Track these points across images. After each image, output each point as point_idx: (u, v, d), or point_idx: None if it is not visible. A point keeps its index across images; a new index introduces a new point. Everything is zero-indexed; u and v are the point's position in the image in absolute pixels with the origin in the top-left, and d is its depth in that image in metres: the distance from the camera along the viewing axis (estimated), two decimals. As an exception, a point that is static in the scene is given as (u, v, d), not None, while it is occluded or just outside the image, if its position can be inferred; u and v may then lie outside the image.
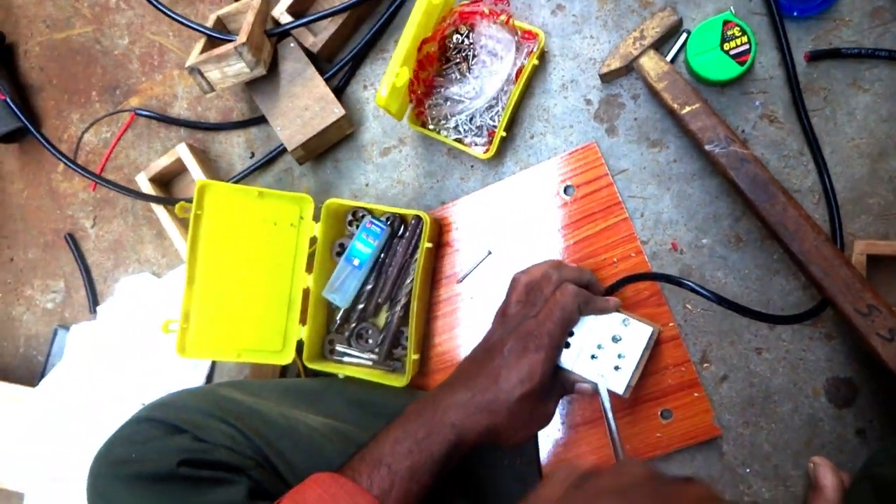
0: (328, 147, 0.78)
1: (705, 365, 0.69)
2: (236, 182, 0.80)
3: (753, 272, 0.69)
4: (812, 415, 0.67)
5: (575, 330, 0.62)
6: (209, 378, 0.81)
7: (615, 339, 0.62)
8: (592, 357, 0.62)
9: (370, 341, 0.74)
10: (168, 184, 0.83)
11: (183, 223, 0.79)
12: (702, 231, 0.70)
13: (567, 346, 0.62)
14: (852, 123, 0.68)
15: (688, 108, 0.67)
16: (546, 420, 0.60)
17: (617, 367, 0.62)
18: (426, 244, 0.70)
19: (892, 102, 0.67)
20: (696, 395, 0.69)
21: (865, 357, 0.66)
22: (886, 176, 0.67)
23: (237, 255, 0.72)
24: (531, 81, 0.74)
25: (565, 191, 0.72)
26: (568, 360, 0.61)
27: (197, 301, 0.70)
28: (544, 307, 0.59)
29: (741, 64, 0.67)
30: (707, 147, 0.66)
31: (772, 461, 0.68)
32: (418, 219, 0.71)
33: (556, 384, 0.62)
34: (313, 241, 0.73)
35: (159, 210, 0.79)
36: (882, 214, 0.67)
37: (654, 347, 0.67)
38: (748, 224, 0.69)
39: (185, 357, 0.70)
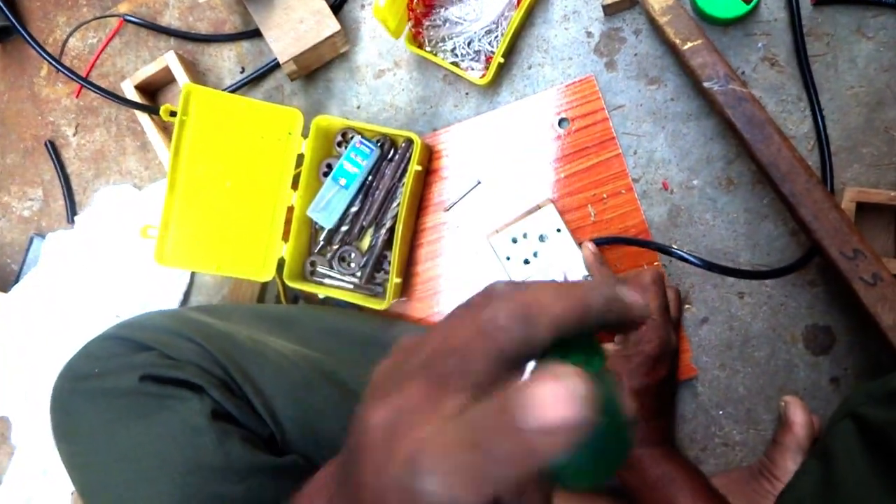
0: (321, 65, 0.76)
1: (687, 306, 0.69)
2: (225, 97, 0.78)
3: (742, 216, 0.69)
4: (788, 360, 0.68)
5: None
6: (186, 294, 0.79)
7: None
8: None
9: (352, 265, 0.73)
10: (154, 94, 0.81)
11: (168, 133, 0.77)
12: (693, 172, 0.70)
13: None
14: (853, 71, 0.67)
15: (689, 44, 0.66)
16: None
17: None
18: (415, 167, 0.68)
19: (894, 52, 0.66)
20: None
21: (846, 305, 0.66)
22: (882, 126, 0.66)
23: (221, 166, 0.70)
24: (533, 10, 0.72)
25: (559, 123, 0.71)
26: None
27: (178, 209, 0.69)
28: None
29: (747, 2, 0.66)
30: (706, 84, 0.65)
31: (745, 404, 0.68)
32: (409, 142, 0.70)
33: None
34: (301, 159, 0.71)
35: (144, 120, 0.77)
36: (874, 164, 0.66)
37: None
38: (741, 167, 0.69)
39: (163, 265, 0.69)
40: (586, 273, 0.64)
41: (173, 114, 0.67)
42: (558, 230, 0.66)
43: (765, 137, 0.63)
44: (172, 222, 0.69)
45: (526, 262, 0.66)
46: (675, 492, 0.54)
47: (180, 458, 0.55)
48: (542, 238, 0.66)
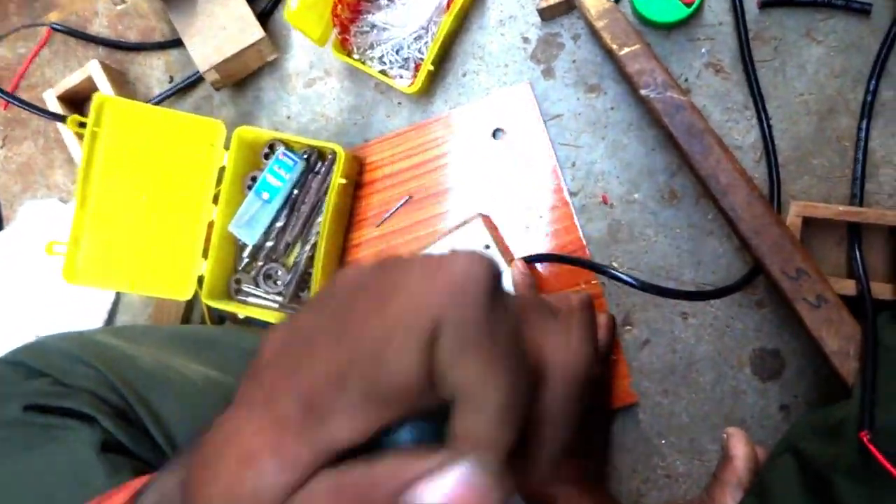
0: (249, 74, 0.73)
1: (627, 327, 0.65)
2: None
3: (685, 231, 0.64)
4: (735, 387, 0.63)
5: None
6: (111, 314, 0.76)
7: None
8: None
9: (278, 282, 0.69)
10: (81, 105, 0.78)
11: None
12: (634, 185, 0.65)
13: None
14: (802, 77, 0.63)
15: (626, 49, 0.62)
16: None
17: None
18: (339, 180, 0.65)
19: (846, 57, 0.62)
20: (614, 358, 0.64)
21: (796, 328, 0.62)
22: (833, 136, 0.62)
23: (137, 180, 0.67)
24: (467, 15, 0.69)
25: (494, 134, 0.68)
26: None
27: (89, 224, 0.66)
28: None
29: (688, 6, 0.62)
30: (643, 91, 0.61)
31: (689, 433, 0.64)
32: (335, 154, 0.67)
33: None
34: (224, 172, 0.68)
35: (65, 132, 0.74)
36: (825, 176, 0.62)
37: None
38: (684, 180, 0.65)
39: (73, 283, 0.65)
40: (513, 294, 0.60)
41: (82, 125, 0.64)
42: (487, 246, 0.62)
43: (704, 148, 0.59)
44: (83, 238, 0.66)
45: None
46: None
47: (65, 494, 0.51)
48: (486, 248, 0.62)
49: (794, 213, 0.59)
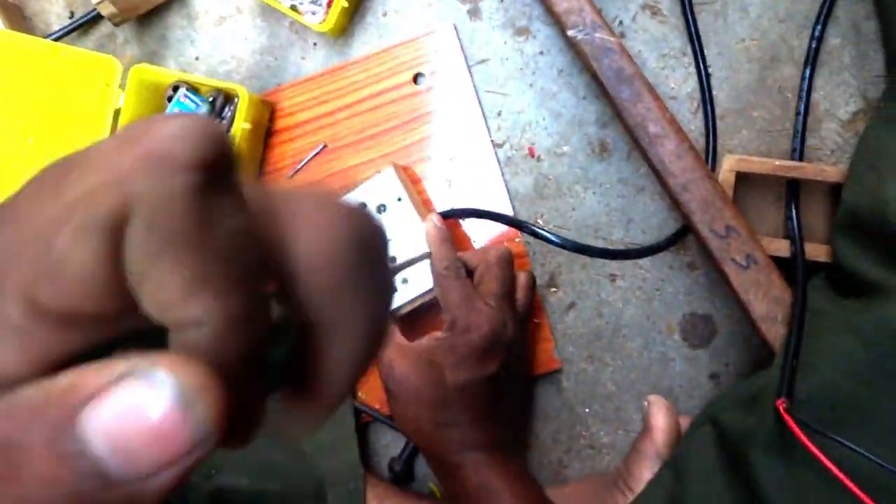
0: (151, 9, 0.67)
1: (552, 290, 0.61)
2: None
3: (616, 188, 0.60)
4: (664, 353, 0.59)
5: None
6: None
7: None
8: None
9: (182, 237, 0.64)
10: (-27, 41, 0.71)
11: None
12: (563, 137, 0.61)
13: None
14: (744, 22, 0.58)
15: (555, -13, 0.57)
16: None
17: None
18: (242, 124, 0.59)
19: (789, 0, 0.57)
20: (537, 321, 0.60)
21: (727, 292, 0.58)
22: (776, 86, 0.58)
23: (23, 121, 0.61)
24: (390, -52, 0.63)
25: (415, 79, 0.62)
26: None
27: (-32, 169, 0.60)
28: None
29: (624, -60, 0.57)
30: (570, 32, 0.56)
31: (614, 402, 0.60)
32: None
33: None
34: (120, 115, 0.62)
35: (-44, 69, 0.68)
36: (766, 129, 0.58)
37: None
38: (615, 132, 0.60)
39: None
40: (427, 249, 0.55)
41: (-44, 57, 0.58)
42: (399, 199, 0.57)
43: (633, 94, 0.55)
44: (-39, 184, 0.60)
45: None
46: None
47: None
48: (381, 208, 0.57)
49: (727, 168, 0.55)
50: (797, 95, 0.57)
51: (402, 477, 0.62)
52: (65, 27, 0.69)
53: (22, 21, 0.70)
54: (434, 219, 0.56)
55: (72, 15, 0.70)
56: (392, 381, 0.51)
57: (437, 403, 0.49)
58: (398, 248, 0.56)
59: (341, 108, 0.63)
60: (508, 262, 0.54)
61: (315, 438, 0.58)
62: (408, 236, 0.56)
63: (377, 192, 0.58)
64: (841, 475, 0.38)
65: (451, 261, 0.52)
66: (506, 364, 0.51)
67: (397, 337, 0.53)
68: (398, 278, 0.56)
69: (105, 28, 0.69)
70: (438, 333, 0.51)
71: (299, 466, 0.56)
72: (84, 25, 0.69)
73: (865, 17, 0.56)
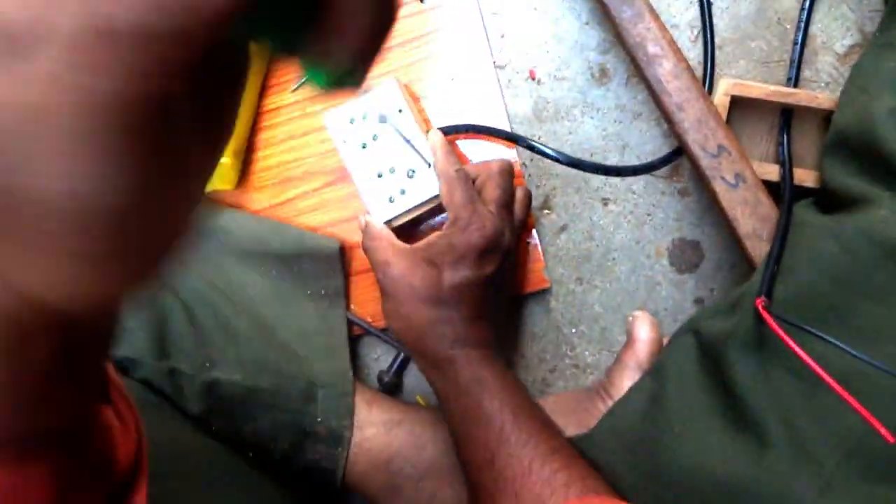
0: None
1: (545, 211, 0.62)
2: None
3: (613, 113, 0.61)
4: (651, 277, 0.61)
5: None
6: None
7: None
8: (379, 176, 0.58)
9: (184, 146, 0.65)
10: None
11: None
12: (565, 61, 0.62)
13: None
14: (748, -48, 0.59)
15: None
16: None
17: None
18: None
19: (796, -69, 0.58)
20: (529, 241, 0.61)
21: (717, 219, 0.59)
22: (775, 17, 0.58)
23: None
24: None
25: (421, -2, 0.63)
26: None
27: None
28: None
29: None
30: (576, -48, 0.57)
31: (600, 323, 0.61)
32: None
33: None
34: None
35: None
36: (763, 60, 0.59)
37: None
38: (616, 57, 0.61)
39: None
40: (431, 160, 0.56)
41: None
42: (400, 110, 0.58)
43: (634, 14, 0.55)
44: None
45: (363, 146, 0.58)
46: (482, 396, 0.48)
47: None
48: (382, 119, 0.58)
49: (722, 91, 0.56)
50: (795, 27, 0.58)
51: (390, 389, 0.64)
52: None
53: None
54: (436, 133, 0.57)
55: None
56: (388, 280, 0.52)
57: (433, 301, 0.50)
58: (399, 159, 0.57)
59: (346, 24, 0.64)
60: (510, 172, 0.55)
61: (308, 343, 0.60)
62: (408, 148, 0.57)
63: (379, 102, 0.58)
64: (816, 366, 0.39)
65: (458, 165, 0.54)
66: (500, 270, 0.52)
67: (393, 240, 0.54)
68: (396, 189, 0.57)
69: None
70: (436, 233, 0.52)
71: (291, 366, 0.57)
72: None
73: (867, -49, 0.57)
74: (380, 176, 0.57)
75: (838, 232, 0.43)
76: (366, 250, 0.55)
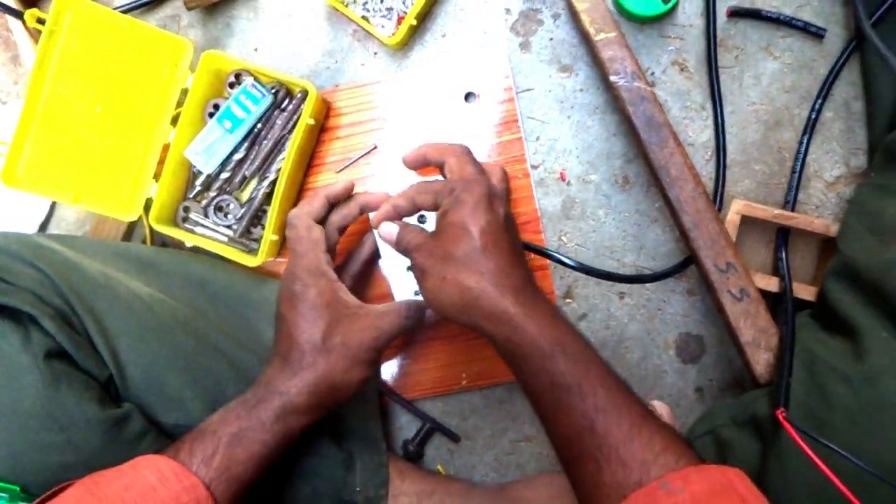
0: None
1: (568, 301, 0.68)
2: (114, 17, 0.71)
3: (633, 216, 0.68)
4: (658, 366, 0.68)
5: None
6: (43, 228, 0.73)
7: None
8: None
9: (229, 216, 0.68)
10: (35, 3, 0.73)
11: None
12: (592, 166, 0.68)
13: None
14: (756, 88, 0.67)
15: (602, 35, 0.65)
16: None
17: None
18: (308, 120, 0.64)
19: (797, 75, 0.67)
20: (552, 327, 0.67)
21: (718, 318, 0.67)
22: (776, 146, 0.67)
23: (94, 88, 0.64)
24: (454, -23, 0.69)
25: (466, 97, 0.69)
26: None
27: (37, 128, 0.62)
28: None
29: (665, 2, 0.65)
30: (612, 78, 0.64)
31: (611, 405, 0.68)
32: (304, 92, 0.66)
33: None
34: (186, 95, 0.66)
35: (17, 28, 0.69)
36: (764, 182, 0.67)
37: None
38: (638, 168, 0.68)
39: (12, 186, 0.62)
40: None
41: (41, 21, 0.61)
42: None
43: (660, 140, 0.63)
44: (28, 141, 0.62)
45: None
46: (569, 362, 0.46)
47: None
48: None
49: (734, 210, 0.64)
50: (793, 156, 0.66)
51: (414, 457, 0.68)
52: (131, 3, 0.72)
53: (86, -10, 0.72)
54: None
55: (138, -9, 0.73)
56: (423, 258, 0.51)
57: (471, 253, 0.49)
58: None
59: (394, 115, 0.69)
60: (506, 177, 0.63)
61: (343, 414, 0.63)
62: None
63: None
64: (826, 469, 0.45)
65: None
66: (508, 214, 0.53)
67: (422, 231, 0.54)
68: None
69: (170, 9, 0.73)
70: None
71: (330, 437, 0.61)
72: (150, 3, 0.72)
73: (855, 97, 0.66)
74: (409, 269, 0.60)
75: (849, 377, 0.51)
76: (400, 248, 0.55)
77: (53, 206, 0.73)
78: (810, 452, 0.45)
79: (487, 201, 0.51)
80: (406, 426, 0.70)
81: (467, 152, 0.56)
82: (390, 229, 0.55)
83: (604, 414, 0.44)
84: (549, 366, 0.46)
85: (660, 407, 0.61)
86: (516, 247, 0.52)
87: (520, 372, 0.49)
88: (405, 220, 0.57)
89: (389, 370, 0.69)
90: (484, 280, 0.48)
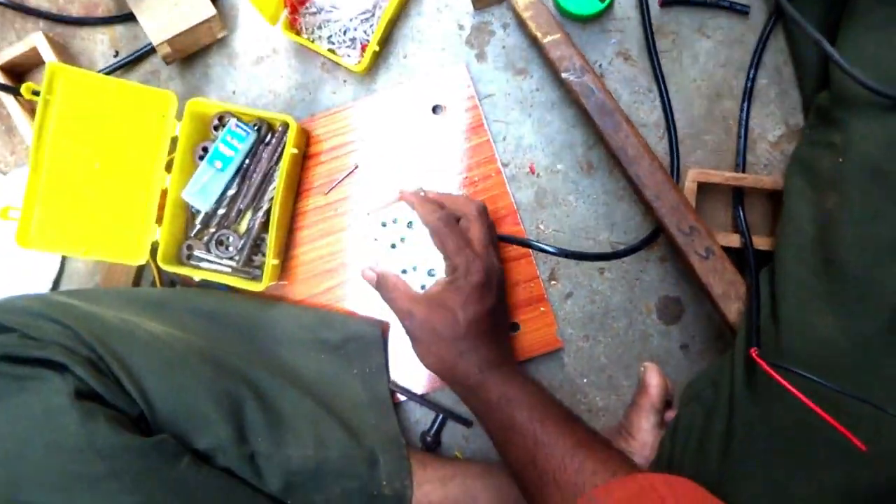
0: (199, 50, 0.76)
1: (553, 282, 0.74)
2: (98, 80, 0.76)
3: (601, 197, 0.74)
4: (644, 330, 0.73)
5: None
6: (56, 283, 0.77)
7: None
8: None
9: (230, 248, 0.73)
10: (22, 76, 0.78)
11: (34, 114, 0.75)
12: (557, 157, 0.74)
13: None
14: (695, 66, 0.74)
15: (549, 38, 0.71)
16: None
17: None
18: (291, 150, 0.70)
19: (729, 50, 0.73)
20: (542, 309, 0.73)
21: (692, 279, 0.73)
22: (720, 116, 0.73)
23: (91, 147, 0.69)
24: (407, 2, 0.75)
25: (433, 110, 0.75)
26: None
27: (43, 191, 0.67)
28: None
29: (601, 1, 0.72)
30: (563, 75, 0.70)
31: (606, 372, 0.73)
32: (285, 125, 0.71)
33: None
34: (176, 142, 0.71)
35: (9, 102, 0.74)
36: (715, 150, 0.73)
37: (505, 264, 0.71)
38: (599, 153, 0.74)
39: (26, 248, 0.66)
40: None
41: (36, 93, 0.66)
42: (410, 223, 0.67)
43: (615, 125, 0.69)
44: (37, 204, 0.67)
45: (392, 246, 0.66)
46: (513, 411, 0.57)
47: (39, 439, 0.53)
48: (409, 224, 0.67)
49: (690, 179, 0.70)
50: (738, 123, 0.73)
51: (432, 447, 0.73)
52: (112, 65, 0.77)
53: (68, 59, 0.78)
54: (404, 188, 0.67)
55: (116, 53, 0.78)
56: (414, 326, 0.61)
57: (455, 337, 0.59)
58: (421, 259, 0.65)
59: (369, 135, 0.75)
60: (487, 213, 0.66)
61: (361, 416, 0.68)
62: (430, 250, 0.65)
63: (409, 210, 0.67)
64: (798, 393, 0.50)
65: (440, 213, 0.63)
66: (500, 296, 0.63)
67: (408, 289, 0.63)
68: (417, 284, 0.65)
69: (149, 66, 0.78)
70: (444, 279, 0.62)
71: (351, 438, 0.66)
72: (131, 63, 0.77)
73: (784, 63, 0.72)
74: (404, 272, 0.65)
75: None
76: (386, 301, 0.64)
77: (64, 260, 0.78)
78: (784, 382, 0.50)
79: (480, 293, 0.60)
80: (422, 420, 0.75)
81: (481, 215, 0.65)
82: (371, 275, 0.66)
83: (542, 447, 0.54)
84: (496, 413, 0.58)
85: (650, 368, 0.67)
86: (497, 326, 0.62)
87: (480, 421, 0.60)
88: (409, 276, 0.65)
89: (400, 369, 0.74)
90: (460, 357, 0.60)
